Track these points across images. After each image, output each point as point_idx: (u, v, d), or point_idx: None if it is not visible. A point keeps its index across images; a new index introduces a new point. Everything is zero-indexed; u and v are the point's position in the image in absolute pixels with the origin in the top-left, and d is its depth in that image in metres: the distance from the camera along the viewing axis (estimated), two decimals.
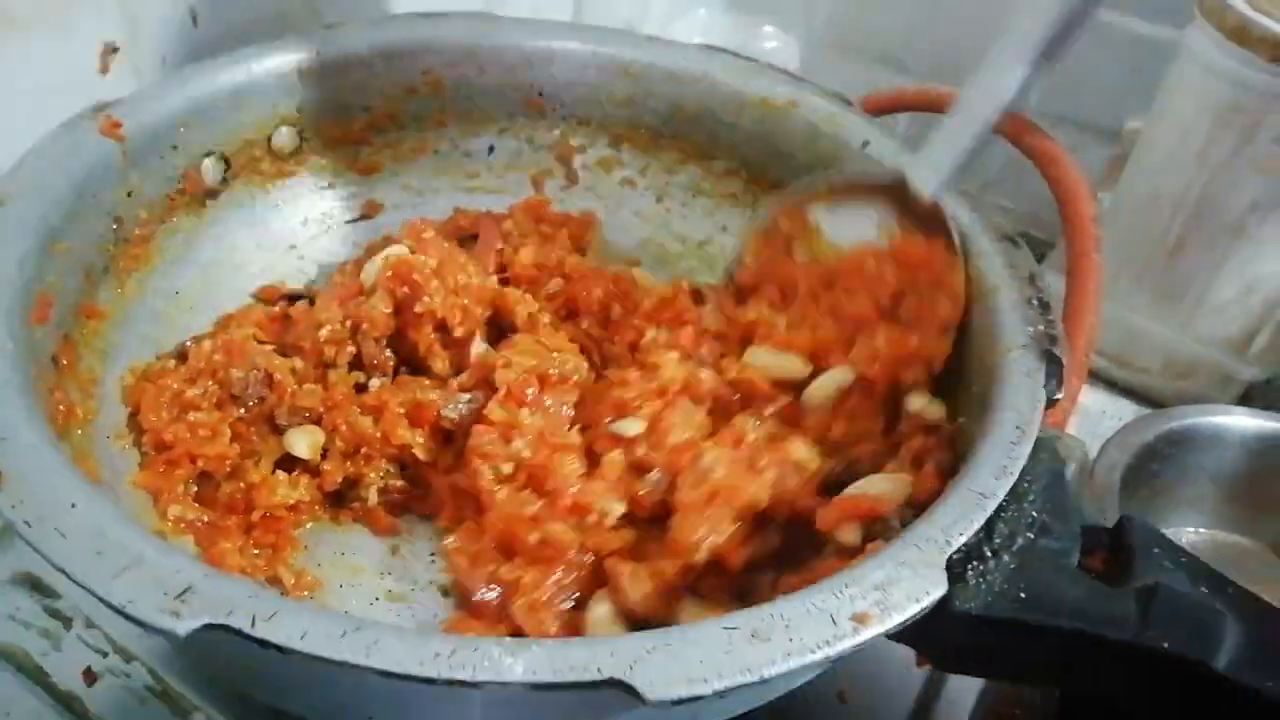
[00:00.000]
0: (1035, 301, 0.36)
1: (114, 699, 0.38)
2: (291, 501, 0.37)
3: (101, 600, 0.23)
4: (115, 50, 0.47)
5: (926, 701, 0.41)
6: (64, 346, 0.36)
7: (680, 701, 0.23)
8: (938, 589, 0.26)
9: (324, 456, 0.39)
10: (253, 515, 0.37)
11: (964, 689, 0.41)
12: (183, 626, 0.23)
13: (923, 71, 0.88)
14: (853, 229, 0.42)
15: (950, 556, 0.27)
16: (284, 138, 0.47)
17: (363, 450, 0.39)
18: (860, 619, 0.25)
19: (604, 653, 0.23)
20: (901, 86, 0.89)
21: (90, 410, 0.37)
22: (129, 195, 0.41)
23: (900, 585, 0.26)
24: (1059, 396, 0.33)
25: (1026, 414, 0.32)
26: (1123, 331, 0.76)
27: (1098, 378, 0.77)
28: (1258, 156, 0.66)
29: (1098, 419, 0.73)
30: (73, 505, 0.25)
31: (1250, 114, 0.65)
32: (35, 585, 0.41)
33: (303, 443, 0.38)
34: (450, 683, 0.23)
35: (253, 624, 0.23)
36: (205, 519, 0.36)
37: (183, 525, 0.36)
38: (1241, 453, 0.64)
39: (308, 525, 0.39)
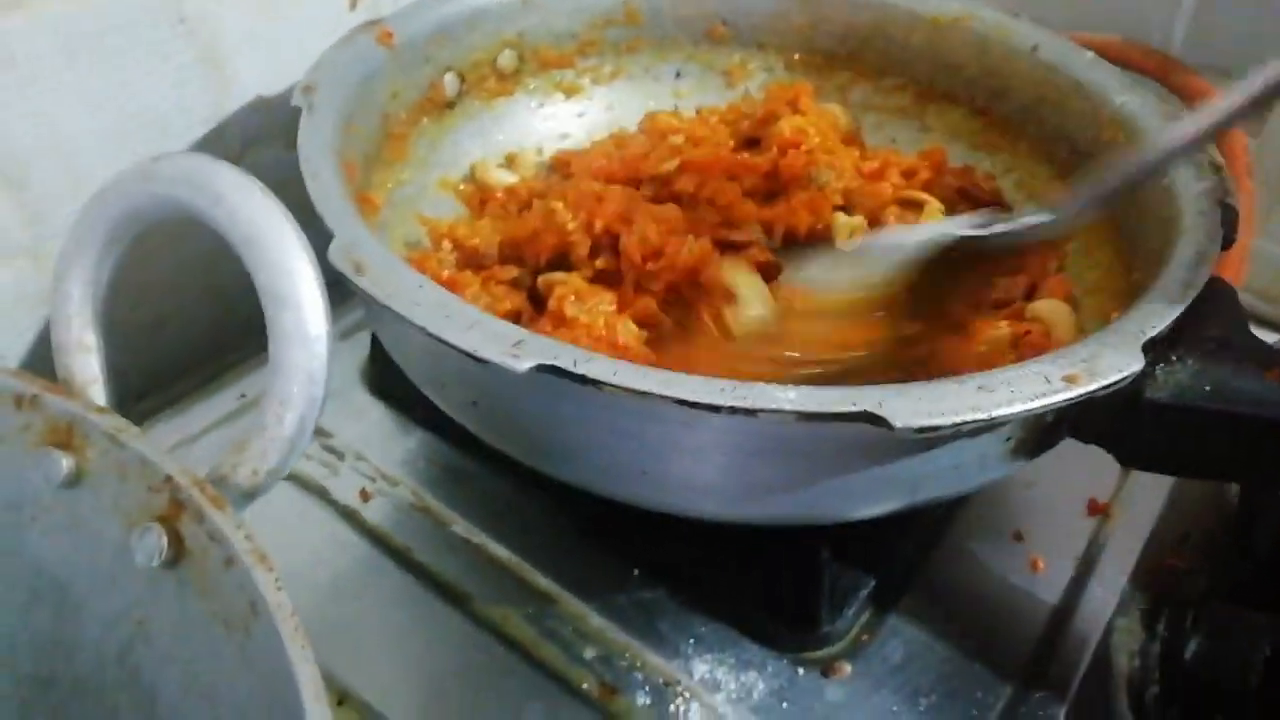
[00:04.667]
0: (1208, 164, 0.40)
1: (385, 513, 0.44)
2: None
3: (456, 348, 0.30)
4: None
5: (1094, 550, 0.44)
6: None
7: (921, 430, 0.28)
8: (1136, 363, 0.30)
9: None
10: None
11: (1131, 539, 0.45)
12: (521, 365, 0.29)
13: (1060, 24, 0.90)
14: None
15: (1144, 346, 0.31)
16: (507, 59, 0.54)
17: None
18: (1071, 379, 0.29)
19: (857, 393, 0.29)
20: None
21: None
22: (394, 96, 0.48)
23: (1104, 358, 0.30)
24: (1235, 238, 0.37)
25: (1206, 244, 0.35)
26: (1272, 267, 0.77)
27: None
28: None
29: None
30: (419, 286, 0.32)
31: None
32: None
33: None
34: (734, 409, 0.28)
35: (575, 364, 0.29)
36: None
37: None
38: None
39: None
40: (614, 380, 0.29)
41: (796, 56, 0.57)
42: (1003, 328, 0.40)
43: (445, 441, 0.47)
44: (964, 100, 0.54)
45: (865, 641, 0.39)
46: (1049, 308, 0.43)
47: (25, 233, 0.46)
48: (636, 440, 0.32)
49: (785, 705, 0.38)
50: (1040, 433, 0.34)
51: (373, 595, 0.42)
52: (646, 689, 0.38)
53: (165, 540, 0.25)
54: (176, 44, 0.48)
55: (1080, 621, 0.41)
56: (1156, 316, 0.32)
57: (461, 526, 0.44)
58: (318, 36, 0.51)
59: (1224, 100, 0.37)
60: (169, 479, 0.25)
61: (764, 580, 0.39)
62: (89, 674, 0.29)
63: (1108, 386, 0.30)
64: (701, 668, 0.38)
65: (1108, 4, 0.91)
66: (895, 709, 0.37)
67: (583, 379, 0.29)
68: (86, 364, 0.28)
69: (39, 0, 0.42)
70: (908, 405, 0.28)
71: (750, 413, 0.28)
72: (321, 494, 0.45)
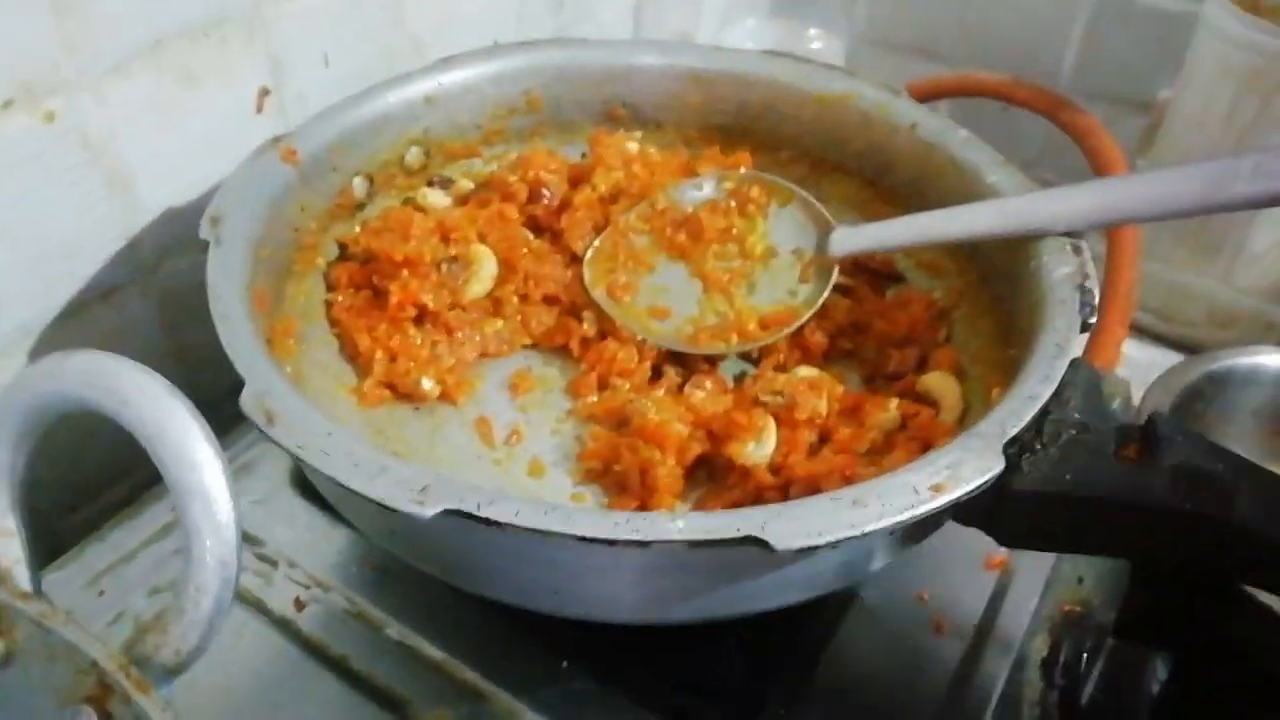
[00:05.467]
0: (1070, 247, 0.43)
1: (320, 620, 0.46)
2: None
3: (364, 497, 0.31)
4: (267, 93, 0.56)
5: (994, 605, 0.47)
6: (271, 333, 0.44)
7: (801, 550, 0.30)
8: (997, 465, 0.33)
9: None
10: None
11: (1029, 589, 0.48)
12: (428, 511, 0.31)
13: (958, 60, 0.95)
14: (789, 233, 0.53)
15: (1006, 444, 0.34)
16: (413, 156, 0.56)
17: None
18: (937, 488, 0.32)
19: (741, 518, 0.31)
20: (941, 74, 0.95)
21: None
22: (302, 210, 0.49)
23: (967, 464, 0.33)
24: (1092, 320, 0.40)
25: (1064, 333, 0.39)
26: (1166, 288, 0.81)
27: (1145, 333, 0.82)
28: None
29: (1147, 370, 0.78)
30: (329, 434, 0.34)
31: (1270, 77, 0.70)
32: (244, 537, 0.49)
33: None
34: (628, 542, 0.30)
35: (478, 508, 0.31)
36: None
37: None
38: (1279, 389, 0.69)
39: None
40: (516, 521, 0.31)
41: (694, 133, 0.60)
42: (892, 410, 0.43)
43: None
44: (854, 172, 0.56)
45: (783, 716, 0.42)
46: (937, 380, 0.46)
47: None
48: (545, 565, 0.34)
49: None
50: (922, 525, 0.36)
51: (312, 706, 0.43)
52: None
53: None
54: (83, 170, 0.49)
55: (981, 678, 0.44)
56: (1015, 416, 0.35)
57: (395, 629, 0.45)
58: (223, 143, 0.52)
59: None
60: (95, 664, 0.26)
61: (684, 666, 0.42)
62: None
63: (971, 490, 0.33)
64: None
65: (1002, 39, 0.96)
66: None
67: (487, 521, 0.31)
68: (8, 548, 0.29)
69: None
70: (787, 527, 0.31)
71: (643, 544, 0.30)
72: (258, 606, 0.46)
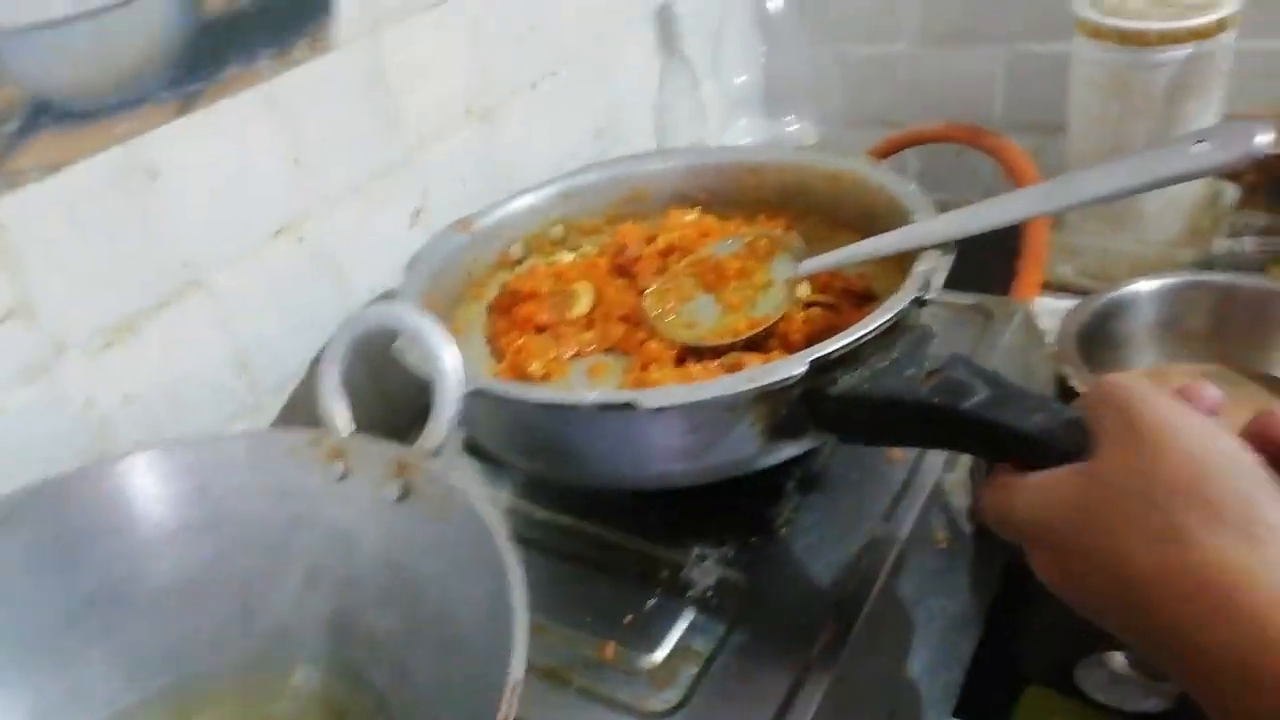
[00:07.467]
0: (939, 250, 0.60)
1: None
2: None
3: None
4: (419, 212, 0.86)
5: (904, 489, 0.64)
6: None
7: (659, 410, 0.53)
8: (798, 370, 0.51)
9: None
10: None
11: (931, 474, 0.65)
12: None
13: (912, 122, 1.19)
14: (784, 269, 0.72)
15: (820, 362, 0.52)
16: (556, 231, 0.82)
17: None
18: (752, 379, 0.52)
19: (630, 394, 0.54)
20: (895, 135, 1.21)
21: None
22: (475, 260, 0.77)
23: (779, 369, 0.52)
24: (926, 298, 0.57)
25: (898, 303, 0.56)
26: (1097, 253, 1.03)
27: (1084, 293, 1.03)
28: (1138, 107, 0.95)
29: None
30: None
31: (1116, 80, 0.94)
32: None
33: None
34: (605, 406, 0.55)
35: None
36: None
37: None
38: (1170, 303, 0.90)
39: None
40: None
41: (750, 206, 0.81)
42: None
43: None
44: (854, 226, 0.74)
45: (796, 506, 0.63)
46: None
47: (250, 396, 0.72)
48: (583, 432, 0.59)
49: None
50: (778, 422, 0.55)
51: None
52: None
53: (400, 485, 0.51)
54: (317, 270, 0.76)
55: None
56: (830, 344, 0.53)
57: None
58: (396, 244, 0.81)
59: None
60: (399, 458, 0.53)
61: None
62: (369, 603, 0.51)
63: (773, 384, 0.52)
64: None
65: (944, 98, 1.21)
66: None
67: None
68: (341, 411, 0.55)
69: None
70: (651, 398, 0.53)
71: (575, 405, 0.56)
72: None
